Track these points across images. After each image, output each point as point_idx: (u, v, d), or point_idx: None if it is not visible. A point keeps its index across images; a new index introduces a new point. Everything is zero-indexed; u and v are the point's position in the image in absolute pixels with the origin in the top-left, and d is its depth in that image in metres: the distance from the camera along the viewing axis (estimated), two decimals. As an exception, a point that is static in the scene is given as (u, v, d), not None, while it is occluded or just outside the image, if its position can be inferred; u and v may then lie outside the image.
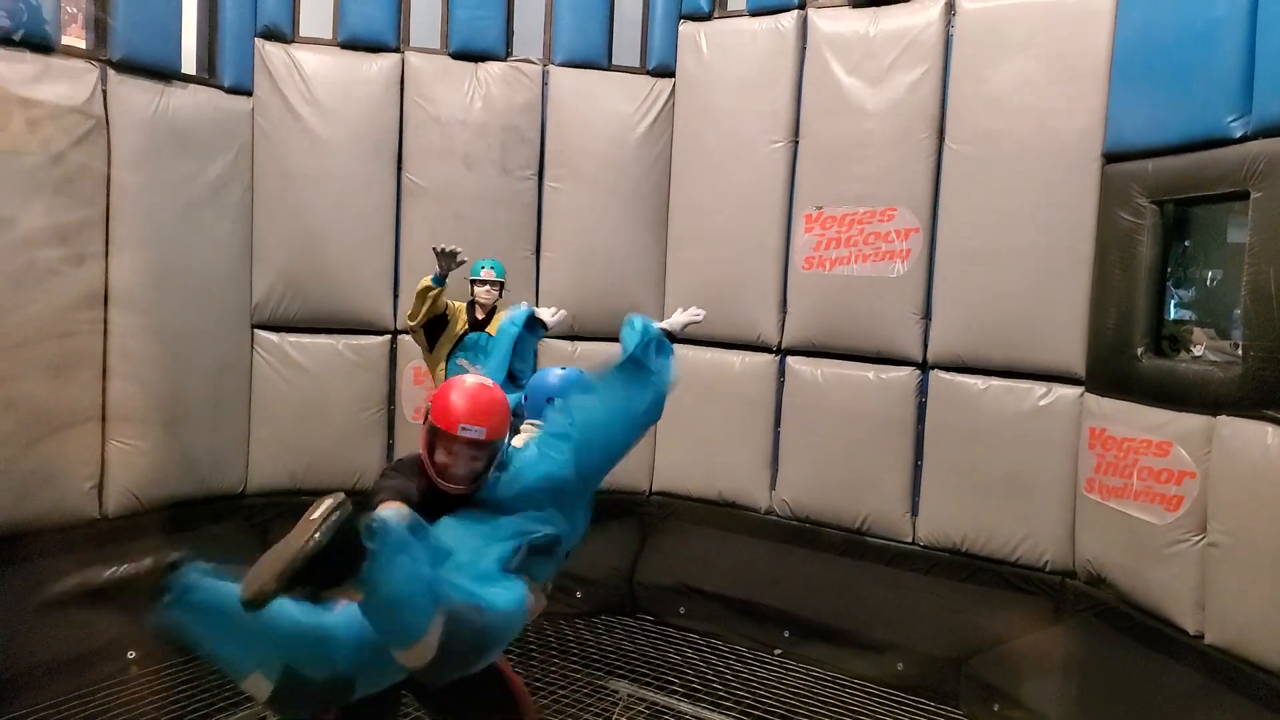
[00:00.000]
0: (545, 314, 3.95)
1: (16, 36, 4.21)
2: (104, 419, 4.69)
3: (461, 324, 4.99)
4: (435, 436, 2.47)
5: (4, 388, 4.20)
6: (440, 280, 4.66)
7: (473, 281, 5.03)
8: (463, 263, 4.64)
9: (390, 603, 1.93)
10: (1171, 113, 4.02)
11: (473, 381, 2.59)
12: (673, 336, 3.27)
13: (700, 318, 3.77)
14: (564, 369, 3.02)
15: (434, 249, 4.61)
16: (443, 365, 4.93)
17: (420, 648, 1.98)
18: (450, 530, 2.37)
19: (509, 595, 2.26)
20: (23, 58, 4.24)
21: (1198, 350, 4.15)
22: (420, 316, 4.79)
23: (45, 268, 4.32)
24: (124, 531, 4.73)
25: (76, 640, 3.91)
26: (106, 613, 4.07)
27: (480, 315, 5.00)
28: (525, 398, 2.95)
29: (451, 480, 2.43)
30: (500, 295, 5.07)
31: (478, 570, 2.28)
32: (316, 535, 1.77)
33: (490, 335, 5.03)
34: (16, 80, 4.20)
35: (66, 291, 4.42)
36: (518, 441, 2.71)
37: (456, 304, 5.02)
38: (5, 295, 4.18)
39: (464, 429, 2.35)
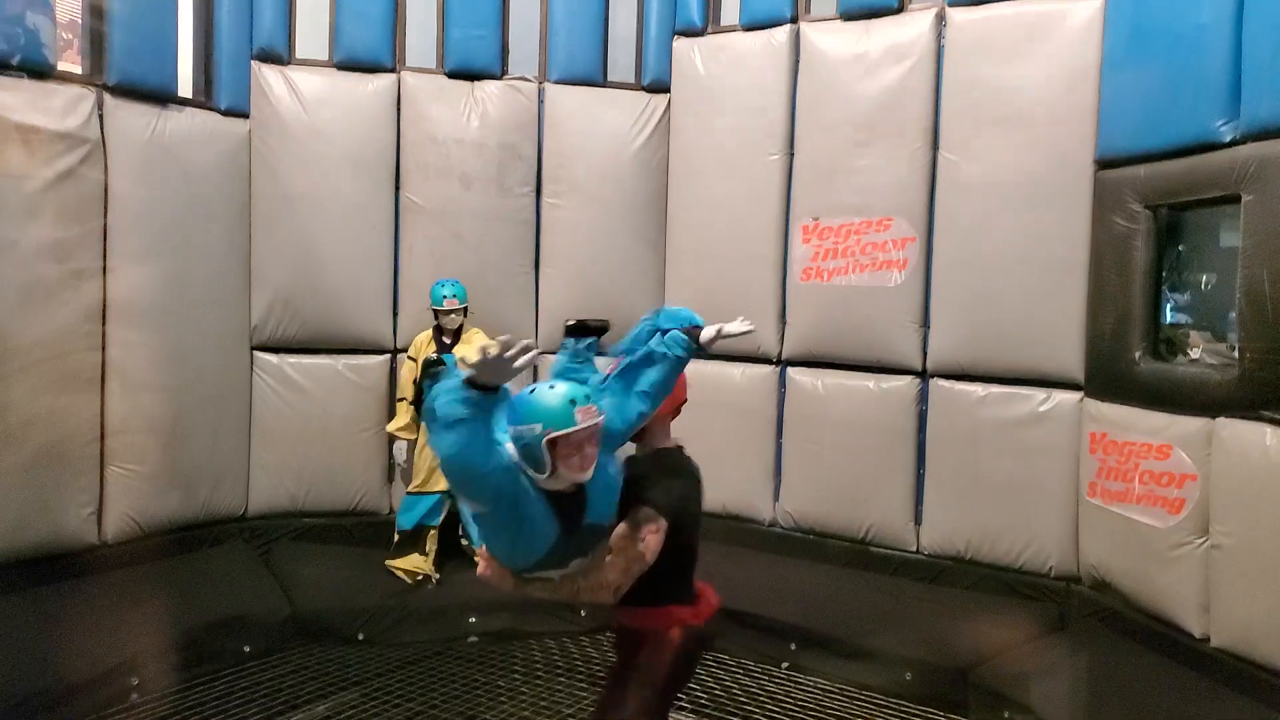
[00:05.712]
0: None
1: (14, 61, 4.23)
2: (102, 442, 4.67)
3: (428, 353, 5.22)
4: None
5: (6, 415, 4.20)
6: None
7: (436, 311, 5.22)
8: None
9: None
10: (1162, 118, 4.06)
11: None
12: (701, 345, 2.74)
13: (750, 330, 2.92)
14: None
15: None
16: None
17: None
18: None
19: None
20: (20, 84, 4.26)
21: (1195, 353, 4.17)
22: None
23: (45, 289, 4.34)
24: (123, 557, 4.72)
25: (80, 666, 3.88)
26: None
27: (448, 340, 5.25)
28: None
29: None
30: (465, 317, 5.30)
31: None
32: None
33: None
34: (14, 106, 4.21)
35: (65, 314, 4.43)
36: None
37: (419, 339, 5.33)
38: (8, 317, 4.19)
39: None
